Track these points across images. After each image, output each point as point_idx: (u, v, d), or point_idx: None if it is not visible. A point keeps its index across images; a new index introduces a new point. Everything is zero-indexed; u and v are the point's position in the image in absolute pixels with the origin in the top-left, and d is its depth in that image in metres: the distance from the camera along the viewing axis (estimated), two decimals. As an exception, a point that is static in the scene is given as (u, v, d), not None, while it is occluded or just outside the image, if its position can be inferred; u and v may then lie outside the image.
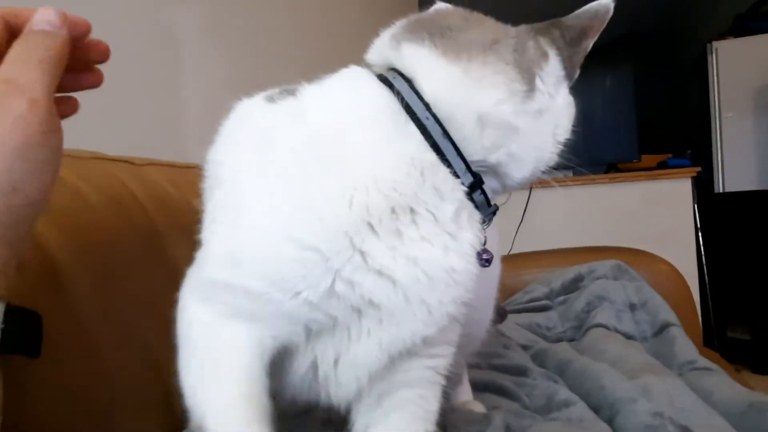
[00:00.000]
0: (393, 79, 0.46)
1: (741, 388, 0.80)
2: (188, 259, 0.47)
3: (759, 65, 2.89)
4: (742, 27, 3.07)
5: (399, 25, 0.50)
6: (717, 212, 2.65)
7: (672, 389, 0.73)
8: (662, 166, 2.54)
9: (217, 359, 0.43)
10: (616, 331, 1.12)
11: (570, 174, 2.51)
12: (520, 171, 0.48)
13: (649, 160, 2.59)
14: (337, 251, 0.40)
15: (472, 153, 0.46)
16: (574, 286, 1.30)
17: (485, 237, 0.49)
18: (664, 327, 1.11)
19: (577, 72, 0.52)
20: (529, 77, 0.46)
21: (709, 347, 1.32)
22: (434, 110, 0.44)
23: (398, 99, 0.45)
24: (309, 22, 1.61)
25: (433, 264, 0.43)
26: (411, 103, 0.44)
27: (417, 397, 0.50)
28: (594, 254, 1.40)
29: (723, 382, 0.83)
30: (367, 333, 0.43)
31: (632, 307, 1.20)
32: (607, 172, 2.54)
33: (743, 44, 2.97)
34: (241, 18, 1.43)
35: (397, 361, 0.46)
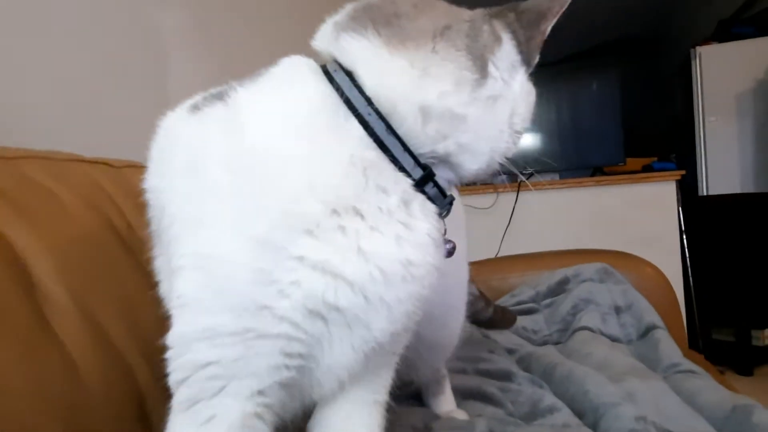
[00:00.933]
0: (333, 72, 0.44)
1: (725, 391, 0.80)
2: None
3: (742, 70, 2.93)
4: (725, 32, 3.12)
5: (344, 11, 0.47)
6: (701, 215, 2.68)
7: (656, 393, 0.73)
8: (647, 169, 2.56)
9: None
10: (602, 333, 1.13)
11: (557, 177, 2.54)
12: (473, 162, 0.46)
13: (634, 163, 2.61)
14: (277, 261, 0.39)
15: (418, 146, 0.44)
16: (560, 288, 1.30)
17: (444, 227, 0.47)
18: (648, 329, 1.12)
19: (536, 57, 0.50)
20: (481, 63, 0.44)
21: (694, 349, 1.33)
22: (376, 105, 0.43)
23: (339, 94, 0.43)
24: (295, 24, 1.60)
25: (387, 257, 0.41)
26: (351, 98, 0.42)
27: (382, 371, 0.51)
28: (580, 257, 1.41)
29: (707, 385, 0.83)
30: (339, 339, 0.42)
31: (617, 310, 1.20)
32: (593, 175, 2.56)
33: (726, 49, 3.01)
34: (227, 19, 1.42)
35: (372, 357, 0.45)
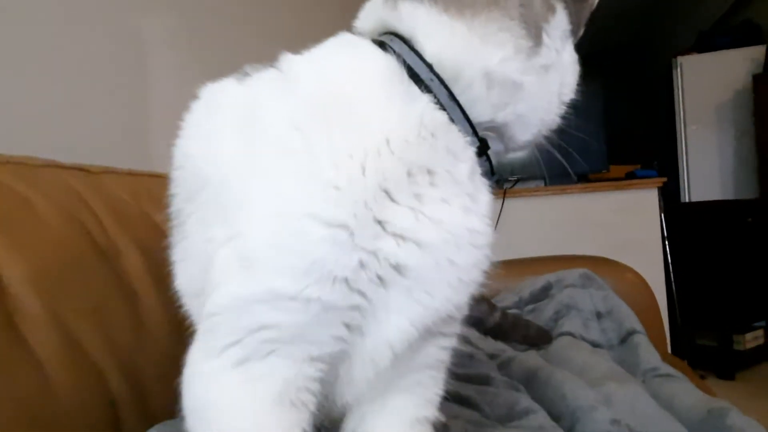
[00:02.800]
0: (390, 42, 0.43)
1: (701, 394, 0.81)
2: (144, 274, 0.46)
3: (721, 80, 3.00)
4: (706, 43, 3.19)
5: None
6: (683, 221, 2.72)
7: (633, 397, 0.74)
8: (630, 176, 2.60)
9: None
10: (583, 339, 1.13)
11: (542, 184, 2.56)
12: (525, 132, 0.47)
13: (617, 170, 2.65)
14: (360, 224, 0.37)
15: (479, 114, 0.44)
16: (543, 294, 1.31)
17: None
18: (629, 335, 1.13)
19: (583, 29, 0.50)
20: (535, 32, 0.44)
21: (678, 354, 1.35)
22: (438, 71, 0.42)
23: (399, 61, 0.42)
24: (280, 30, 1.61)
25: (456, 225, 0.41)
26: (413, 65, 0.42)
27: (428, 378, 0.48)
28: (563, 263, 1.42)
29: (684, 389, 0.84)
30: (397, 309, 0.40)
31: (599, 316, 1.21)
32: (577, 182, 2.59)
33: (706, 60, 3.08)
34: (208, 26, 1.42)
35: (420, 341, 0.43)
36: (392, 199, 0.39)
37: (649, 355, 1.01)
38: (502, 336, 0.87)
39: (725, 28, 3.34)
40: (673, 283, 2.52)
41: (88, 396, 0.52)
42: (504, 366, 0.95)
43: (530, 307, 1.31)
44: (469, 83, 0.43)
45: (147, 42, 1.18)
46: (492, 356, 1.03)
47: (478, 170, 0.44)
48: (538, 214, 2.41)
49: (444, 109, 0.42)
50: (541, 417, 0.65)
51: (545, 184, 2.48)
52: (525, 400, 0.69)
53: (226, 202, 0.40)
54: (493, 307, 0.84)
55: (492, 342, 1.13)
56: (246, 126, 0.41)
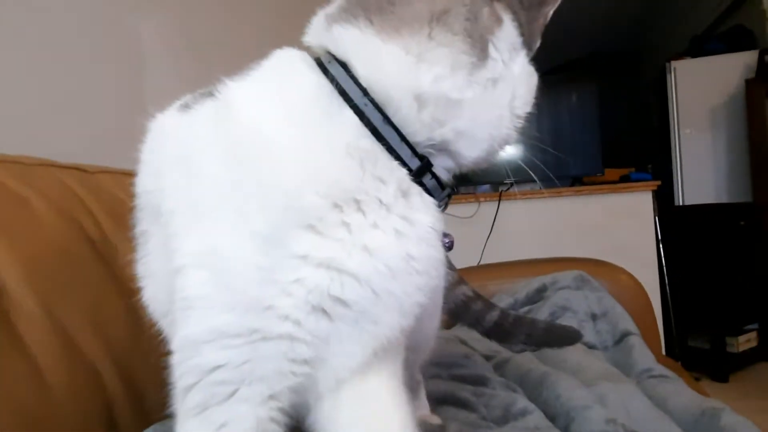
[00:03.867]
0: (327, 64, 0.43)
1: (695, 395, 0.82)
2: None
3: (715, 84, 3.02)
4: (699, 48, 3.22)
5: (336, 2, 0.47)
6: (677, 224, 2.73)
7: (627, 397, 0.74)
8: (624, 179, 2.61)
9: None
10: (578, 340, 1.14)
11: (537, 187, 2.57)
12: (472, 149, 0.46)
13: (612, 173, 2.66)
14: (277, 262, 0.38)
15: (415, 133, 0.43)
16: (538, 296, 1.31)
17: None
18: (623, 336, 1.14)
19: (538, 42, 0.50)
20: (481, 45, 0.43)
21: (671, 356, 1.35)
22: (372, 94, 0.42)
23: (333, 85, 0.42)
24: (277, 29, 1.61)
25: (388, 253, 0.40)
26: (347, 89, 0.42)
27: (390, 363, 0.48)
28: (558, 265, 1.42)
29: (678, 390, 0.84)
30: (347, 337, 0.41)
31: (593, 317, 1.22)
32: (572, 185, 2.61)
33: (700, 64, 3.10)
34: (208, 25, 1.42)
35: (380, 353, 0.44)
36: (317, 232, 0.39)
37: (643, 357, 1.02)
38: (503, 336, 0.83)
39: (718, 33, 3.37)
40: (667, 286, 2.54)
41: (84, 395, 0.52)
42: (499, 367, 0.96)
43: (525, 308, 1.31)
44: (398, 105, 0.42)
45: (144, 41, 1.18)
46: (488, 357, 1.03)
47: (414, 190, 0.44)
48: (533, 216, 2.42)
49: (376, 135, 0.42)
50: (536, 417, 0.65)
51: (540, 187, 2.50)
52: (521, 401, 0.69)
53: (171, 235, 0.41)
54: (489, 306, 0.82)
55: (487, 343, 1.13)
56: (187, 163, 0.42)
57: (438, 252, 0.44)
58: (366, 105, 0.42)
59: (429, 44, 0.42)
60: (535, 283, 1.34)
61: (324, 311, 0.40)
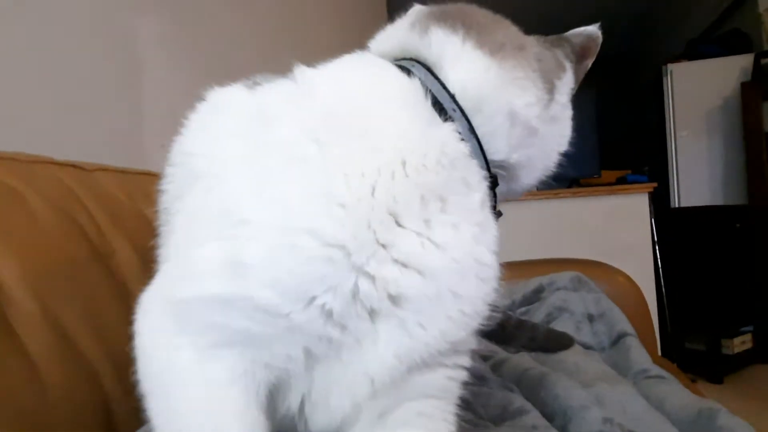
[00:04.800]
0: (412, 67, 0.43)
1: (691, 395, 0.82)
2: (138, 272, 0.45)
3: (711, 87, 3.04)
4: (695, 51, 3.23)
5: (417, 12, 0.48)
6: (673, 226, 2.74)
7: (624, 397, 0.75)
8: (621, 181, 2.62)
9: (207, 407, 0.36)
10: (575, 341, 1.14)
11: (534, 188, 2.57)
12: (530, 175, 0.49)
13: (608, 176, 2.67)
14: (360, 245, 0.35)
15: (496, 150, 0.45)
16: (535, 297, 1.32)
17: None
18: (620, 337, 1.14)
19: (575, 88, 0.53)
20: (550, 86, 0.46)
21: (668, 358, 1.36)
22: (460, 102, 0.42)
23: (422, 86, 0.42)
24: (273, 30, 1.61)
25: (464, 252, 0.39)
26: (436, 92, 0.42)
27: (432, 409, 0.43)
28: (554, 266, 1.42)
29: (674, 390, 0.85)
30: (383, 341, 0.37)
31: (590, 318, 1.22)
32: (569, 187, 2.61)
33: (696, 67, 3.12)
34: (203, 26, 1.42)
35: (414, 372, 0.40)
36: (399, 224, 0.37)
37: (640, 357, 1.02)
38: (505, 338, 0.83)
39: (715, 36, 3.39)
40: (663, 288, 2.55)
41: (81, 394, 0.52)
42: (497, 367, 0.96)
43: (522, 309, 1.31)
44: (491, 117, 0.43)
45: (141, 44, 1.17)
46: (485, 358, 1.03)
47: (488, 203, 0.44)
48: (529, 218, 2.43)
49: (465, 141, 0.42)
50: (534, 417, 0.65)
51: (536, 189, 2.49)
52: (518, 400, 0.69)
53: (218, 201, 0.38)
54: (493, 308, 0.80)
55: (484, 343, 1.13)
56: (254, 130, 0.39)
57: (498, 266, 0.43)
58: (455, 110, 0.42)
59: (518, 72, 0.44)
60: (532, 284, 1.34)
61: (372, 309, 0.36)
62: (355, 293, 0.36)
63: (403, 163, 0.38)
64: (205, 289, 0.35)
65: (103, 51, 1.06)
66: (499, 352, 1.09)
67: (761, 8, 2.99)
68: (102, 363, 0.54)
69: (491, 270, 0.42)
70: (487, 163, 0.44)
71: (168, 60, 1.26)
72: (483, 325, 0.44)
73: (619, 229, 2.37)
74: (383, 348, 0.38)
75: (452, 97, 0.42)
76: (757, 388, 2.40)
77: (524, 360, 1.01)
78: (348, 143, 0.37)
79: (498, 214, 0.47)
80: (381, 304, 0.36)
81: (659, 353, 1.58)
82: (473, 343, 0.46)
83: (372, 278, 0.36)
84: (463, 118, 0.42)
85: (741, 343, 2.59)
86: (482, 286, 0.41)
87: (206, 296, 0.35)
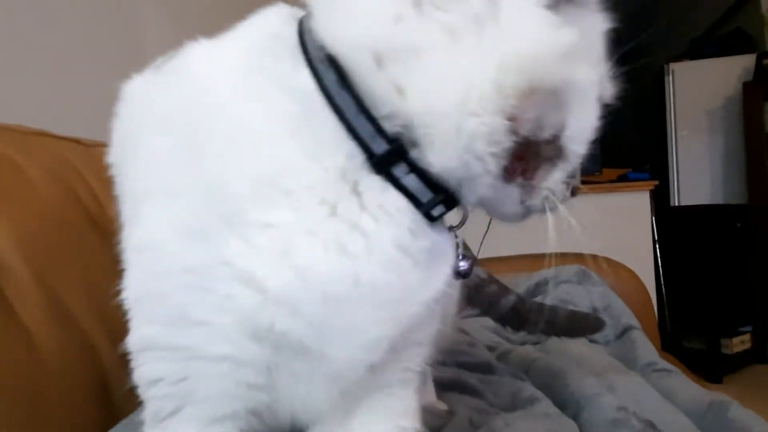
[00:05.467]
0: (304, 18, 0.35)
1: (700, 388, 0.81)
2: None
3: (712, 87, 3.04)
4: (697, 50, 3.23)
5: None
6: (673, 225, 2.74)
7: (635, 387, 0.73)
8: (623, 179, 2.62)
9: None
10: (580, 334, 1.13)
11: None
12: (437, 150, 0.32)
13: (610, 173, 2.66)
14: (207, 267, 0.31)
15: (377, 105, 0.32)
16: (539, 290, 1.30)
17: (457, 240, 0.37)
18: (625, 330, 1.13)
19: None
20: None
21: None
22: (329, 50, 0.32)
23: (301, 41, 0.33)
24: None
25: (325, 276, 0.31)
26: (307, 44, 0.33)
27: (387, 396, 0.40)
28: (558, 260, 1.41)
29: (683, 383, 0.84)
30: (301, 371, 0.34)
31: (595, 311, 1.21)
32: (569, 184, 2.60)
33: (698, 66, 3.12)
34: (207, 8, 1.40)
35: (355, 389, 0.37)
36: (237, 231, 0.31)
37: (646, 351, 1.01)
38: (520, 323, 0.75)
39: (717, 36, 3.39)
40: (663, 286, 2.54)
41: (79, 369, 0.50)
42: (502, 358, 0.94)
43: (526, 302, 1.30)
44: (357, 61, 0.33)
45: (145, 27, 1.15)
46: (490, 348, 1.02)
47: (371, 186, 0.33)
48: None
49: (330, 103, 0.33)
50: (545, 405, 0.64)
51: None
52: (529, 389, 0.68)
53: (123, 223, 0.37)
54: (505, 290, 0.73)
55: (488, 334, 1.12)
56: (133, 133, 0.36)
57: (417, 279, 0.34)
58: (322, 62, 0.32)
59: None
60: (536, 277, 1.33)
61: (262, 338, 0.32)
62: (235, 320, 0.32)
63: (237, 154, 0.33)
64: (129, 339, 0.36)
65: (107, 30, 1.04)
66: (503, 343, 1.08)
67: (764, 8, 2.99)
68: (100, 338, 0.53)
69: (382, 291, 0.32)
70: (375, 124, 0.32)
71: (172, 44, 1.24)
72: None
73: (619, 226, 2.35)
74: (306, 380, 0.35)
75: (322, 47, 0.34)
76: (755, 388, 2.40)
77: (530, 350, 1.00)
78: (192, 136, 0.33)
79: (445, 202, 0.35)
80: (267, 337, 0.32)
81: (660, 349, 1.57)
82: (418, 335, 0.38)
83: (233, 300, 0.32)
84: (330, 69, 0.33)
85: (740, 343, 2.59)
86: (372, 311, 0.33)
87: (131, 346, 0.36)
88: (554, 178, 0.37)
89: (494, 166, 0.33)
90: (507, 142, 0.32)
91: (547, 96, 0.32)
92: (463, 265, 0.38)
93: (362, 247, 0.32)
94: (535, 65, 0.31)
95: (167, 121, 0.34)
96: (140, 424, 0.38)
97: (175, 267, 0.32)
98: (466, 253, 0.38)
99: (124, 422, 0.47)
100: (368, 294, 0.32)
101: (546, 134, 0.33)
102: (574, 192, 0.35)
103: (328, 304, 0.31)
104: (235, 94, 0.33)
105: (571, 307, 1.20)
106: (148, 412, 0.37)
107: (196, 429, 0.35)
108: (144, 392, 0.36)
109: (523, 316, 0.74)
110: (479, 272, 0.74)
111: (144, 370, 0.36)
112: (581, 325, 0.81)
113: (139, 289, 0.35)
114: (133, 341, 0.36)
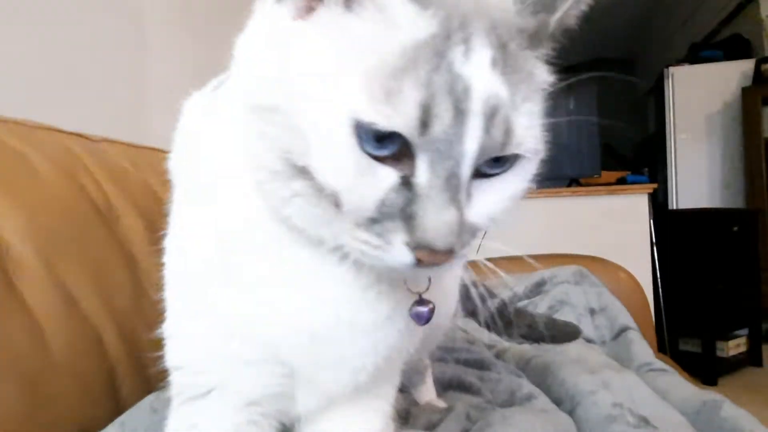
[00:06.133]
0: None
1: (694, 388, 0.82)
2: (143, 238, 0.44)
3: (711, 91, 3.05)
4: (697, 55, 3.25)
5: None
6: (670, 228, 2.75)
7: (631, 385, 0.74)
8: (621, 182, 2.63)
9: None
10: (577, 333, 1.13)
11: (535, 187, 2.57)
12: None
13: (608, 176, 2.67)
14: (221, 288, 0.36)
15: None
16: (537, 290, 1.31)
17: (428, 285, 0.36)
18: (622, 331, 1.13)
19: None
20: None
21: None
22: None
23: None
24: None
25: (294, 318, 0.35)
26: None
27: (368, 394, 0.44)
28: (556, 261, 1.42)
29: (677, 383, 0.84)
30: (301, 381, 0.39)
31: (592, 312, 1.21)
32: (569, 185, 2.61)
33: (697, 71, 3.13)
34: (210, 4, 1.40)
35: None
36: (217, 277, 0.36)
37: (642, 351, 1.02)
38: (503, 326, 0.77)
39: (716, 41, 3.40)
40: (660, 289, 2.55)
41: (85, 357, 0.51)
42: (500, 356, 0.95)
43: (524, 302, 1.31)
44: None
45: (148, 20, 1.16)
46: (488, 347, 1.03)
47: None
48: (529, 216, 2.40)
49: None
50: (542, 401, 0.65)
51: (537, 188, 2.48)
52: (526, 386, 0.69)
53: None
54: (490, 293, 0.77)
55: (486, 333, 1.13)
56: (187, 154, 0.41)
57: (385, 308, 0.36)
58: None
59: None
60: (535, 277, 1.34)
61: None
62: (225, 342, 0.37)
63: (233, 197, 0.37)
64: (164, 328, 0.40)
65: (109, 29, 1.04)
66: (501, 341, 1.09)
67: (763, 14, 3.00)
68: (106, 326, 0.53)
69: (359, 326, 0.36)
70: None
71: (175, 38, 1.24)
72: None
73: (618, 229, 2.37)
74: (305, 389, 0.40)
75: None
76: (750, 390, 2.41)
77: (527, 348, 1.00)
78: (206, 176, 0.38)
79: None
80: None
81: (656, 351, 1.58)
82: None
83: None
84: None
85: (736, 346, 2.60)
86: (350, 347, 0.37)
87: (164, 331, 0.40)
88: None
89: None
90: None
91: None
92: (422, 310, 0.37)
93: (333, 292, 0.35)
94: None
95: (190, 156, 0.40)
96: (167, 401, 0.40)
97: (205, 282, 0.37)
98: (425, 297, 0.37)
99: (139, 405, 0.48)
100: (348, 330, 0.35)
101: None
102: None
103: (315, 341, 0.35)
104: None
105: (568, 308, 1.21)
106: (174, 390, 0.39)
107: (225, 412, 0.38)
108: (171, 373, 0.39)
109: (505, 321, 0.77)
110: (465, 276, 0.75)
111: (169, 356, 0.39)
112: (560, 331, 0.83)
113: (172, 284, 0.39)
114: (166, 327, 0.39)
